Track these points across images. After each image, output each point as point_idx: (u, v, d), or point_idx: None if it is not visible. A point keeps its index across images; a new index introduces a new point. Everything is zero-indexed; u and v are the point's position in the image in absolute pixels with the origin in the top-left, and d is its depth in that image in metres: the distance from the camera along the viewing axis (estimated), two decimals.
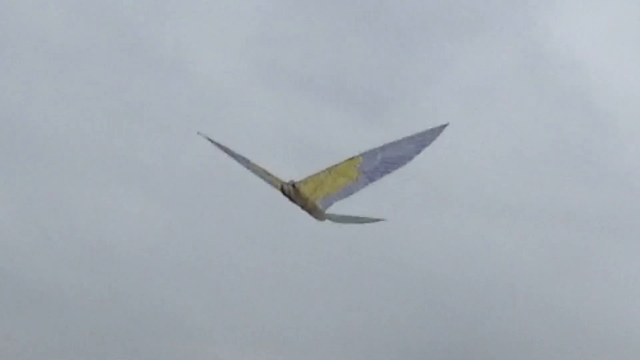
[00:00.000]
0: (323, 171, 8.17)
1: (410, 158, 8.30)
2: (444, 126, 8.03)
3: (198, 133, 7.99)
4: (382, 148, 7.90)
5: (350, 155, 7.86)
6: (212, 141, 8.47)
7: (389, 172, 8.26)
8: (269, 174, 8.23)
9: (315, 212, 8.71)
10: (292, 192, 8.12)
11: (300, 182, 8.17)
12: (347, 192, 8.51)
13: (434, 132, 8.27)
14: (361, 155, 7.99)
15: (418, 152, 8.26)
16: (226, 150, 8.26)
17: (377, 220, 8.84)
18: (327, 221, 8.70)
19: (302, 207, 8.45)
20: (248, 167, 8.31)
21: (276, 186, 8.09)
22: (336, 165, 8.21)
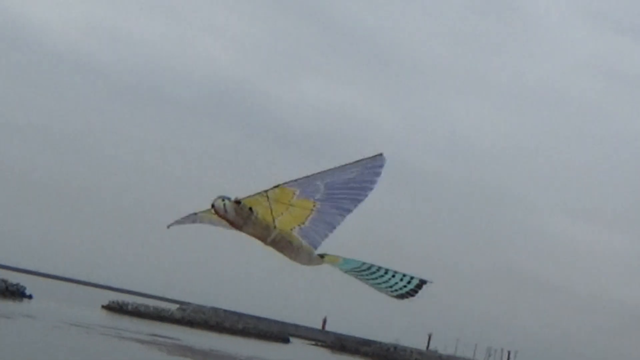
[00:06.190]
0: (254, 195, 7.25)
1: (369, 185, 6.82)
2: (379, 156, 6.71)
3: (168, 227, 8.25)
4: (321, 175, 6.82)
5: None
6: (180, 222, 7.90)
7: (353, 195, 6.98)
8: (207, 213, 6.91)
9: (289, 248, 6.95)
10: (227, 208, 6.74)
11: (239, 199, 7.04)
12: (328, 226, 7.82)
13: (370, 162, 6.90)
14: (293, 187, 6.79)
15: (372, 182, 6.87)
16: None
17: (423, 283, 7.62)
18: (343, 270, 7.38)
19: (242, 228, 6.86)
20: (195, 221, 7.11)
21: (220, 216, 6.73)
22: (263, 192, 6.94)
